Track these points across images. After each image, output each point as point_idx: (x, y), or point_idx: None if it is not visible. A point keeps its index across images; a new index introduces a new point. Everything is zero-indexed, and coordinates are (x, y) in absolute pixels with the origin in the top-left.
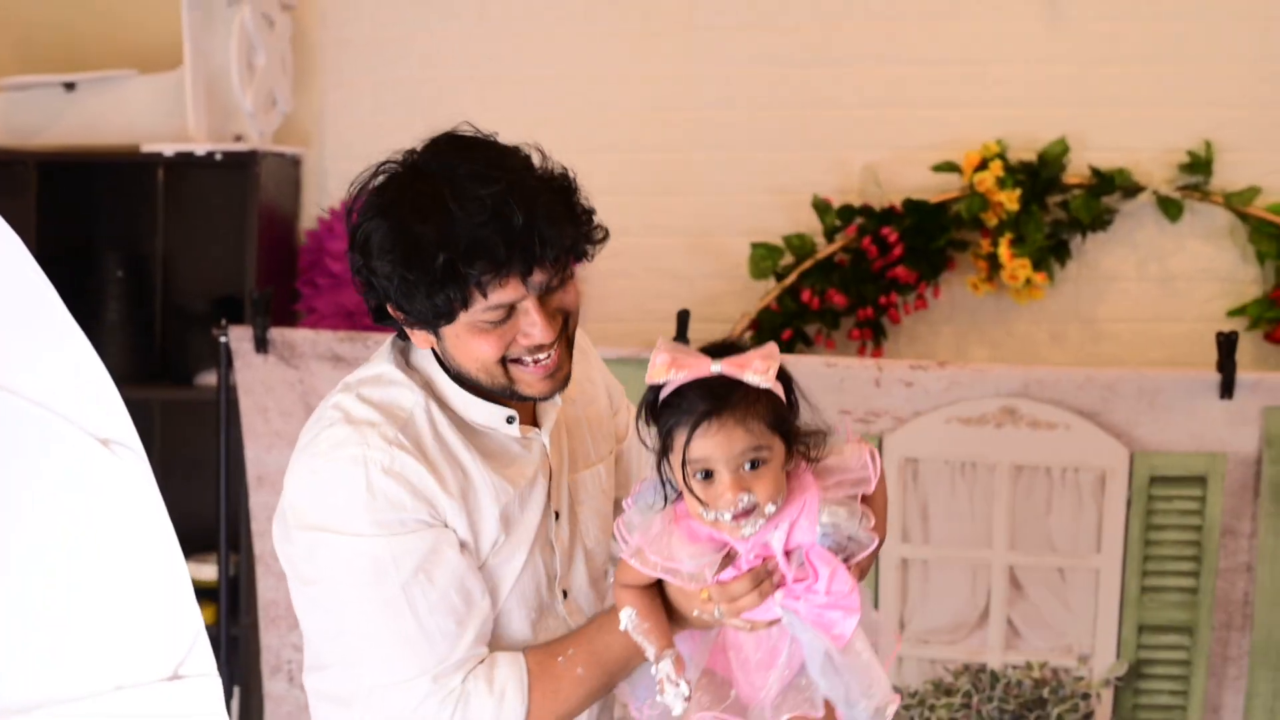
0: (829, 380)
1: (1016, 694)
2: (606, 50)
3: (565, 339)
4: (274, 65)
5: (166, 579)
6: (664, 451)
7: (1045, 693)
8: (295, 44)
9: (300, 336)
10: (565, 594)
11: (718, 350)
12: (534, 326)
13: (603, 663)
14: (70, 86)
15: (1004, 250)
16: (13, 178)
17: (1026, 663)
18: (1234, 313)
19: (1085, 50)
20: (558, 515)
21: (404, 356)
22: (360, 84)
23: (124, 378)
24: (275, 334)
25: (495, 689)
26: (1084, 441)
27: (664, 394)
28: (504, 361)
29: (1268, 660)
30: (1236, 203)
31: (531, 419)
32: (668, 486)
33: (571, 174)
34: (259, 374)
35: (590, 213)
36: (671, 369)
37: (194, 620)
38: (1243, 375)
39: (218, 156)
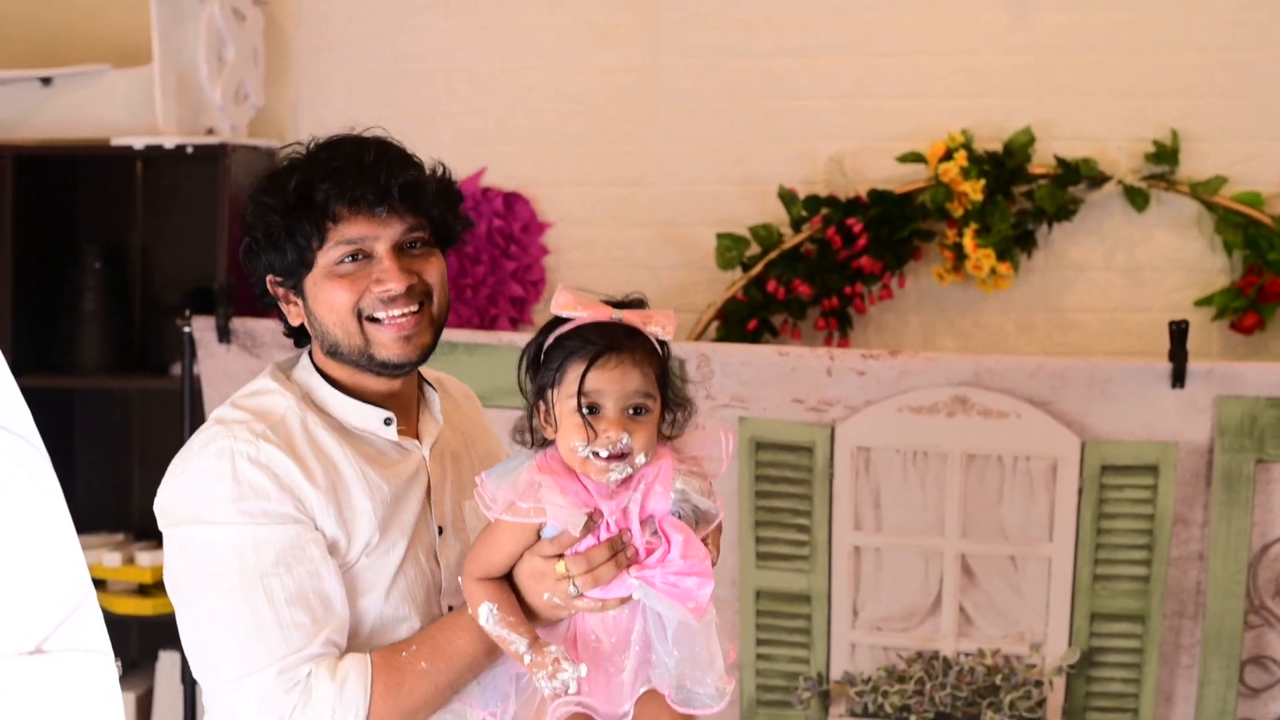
0: (781, 369)
1: (969, 681)
2: (574, 42)
3: (427, 312)
4: (245, 59)
5: (40, 557)
6: (550, 385)
7: (998, 680)
8: (270, 38)
9: (262, 326)
10: (450, 609)
11: (619, 304)
12: (384, 272)
13: (447, 658)
14: (47, 81)
15: (969, 240)
16: None
17: (979, 650)
18: (1201, 302)
19: (1050, 40)
20: (441, 530)
21: (284, 374)
22: (334, 77)
23: (102, 368)
24: (237, 324)
25: (338, 678)
26: (1035, 430)
27: (560, 331)
28: (360, 317)
29: (1220, 648)
30: (1203, 192)
31: (414, 434)
32: (535, 434)
33: (450, 172)
34: (222, 363)
35: (458, 196)
36: (577, 306)
37: (71, 596)
38: (1194, 364)
39: (188, 150)
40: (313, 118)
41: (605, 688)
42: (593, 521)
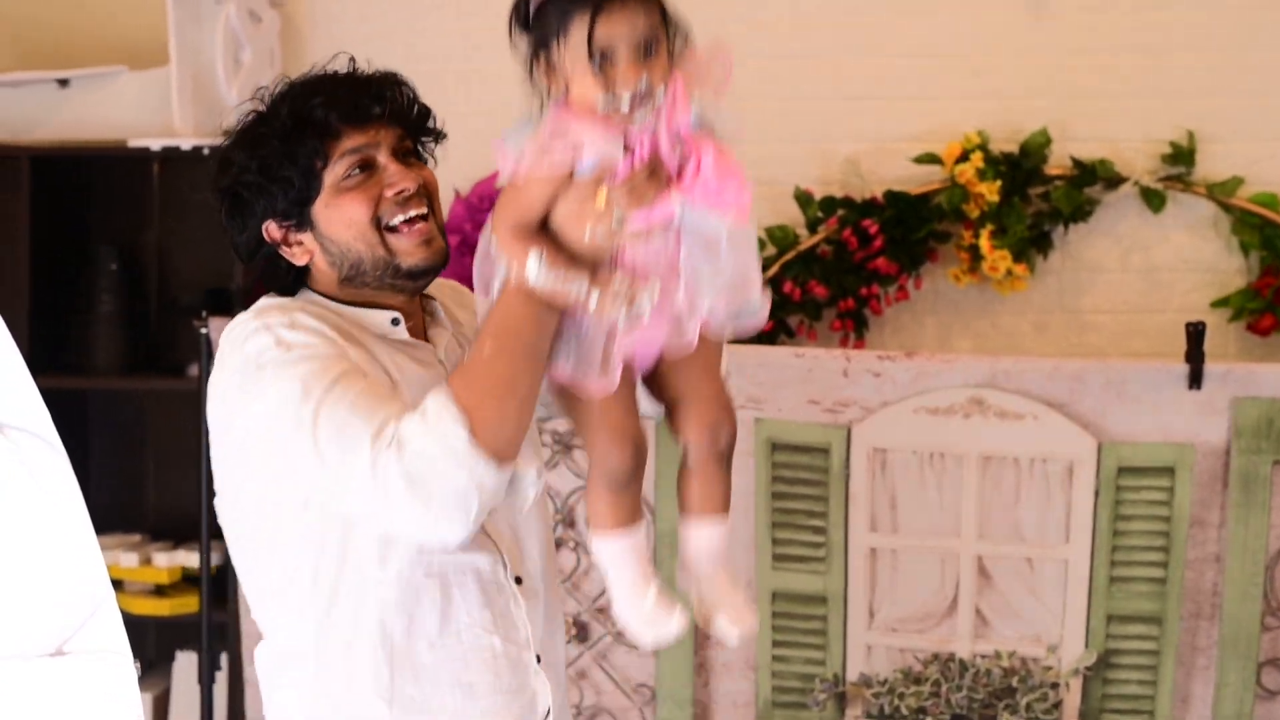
0: (797, 370)
1: (985, 683)
2: None
3: (434, 216)
4: (261, 61)
5: (60, 559)
6: (553, 38)
7: (1014, 682)
8: (285, 40)
9: None
10: None
11: None
12: (394, 175)
13: (504, 333)
14: (64, 83)
15: (985, 241)
16: (7, 173)
17: (995, 652)
18: (1217, 304)
19: (1067, 41)
20: None
21: (282, 297)
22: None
23: (117, 369)
24: None
25: (418, 411)
26: (1052, 432)
27: None
28: (379, 227)
29: (1237, 650)
30: (1219, 193)
31: (422, 334)
32: (543, 93)
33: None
34: None
35: (428, 109)
36: None
37: (89, 599)
38: (1211, 366)
39: (205, 151)
40: None
41: (656, 328)
42: (626, 149)
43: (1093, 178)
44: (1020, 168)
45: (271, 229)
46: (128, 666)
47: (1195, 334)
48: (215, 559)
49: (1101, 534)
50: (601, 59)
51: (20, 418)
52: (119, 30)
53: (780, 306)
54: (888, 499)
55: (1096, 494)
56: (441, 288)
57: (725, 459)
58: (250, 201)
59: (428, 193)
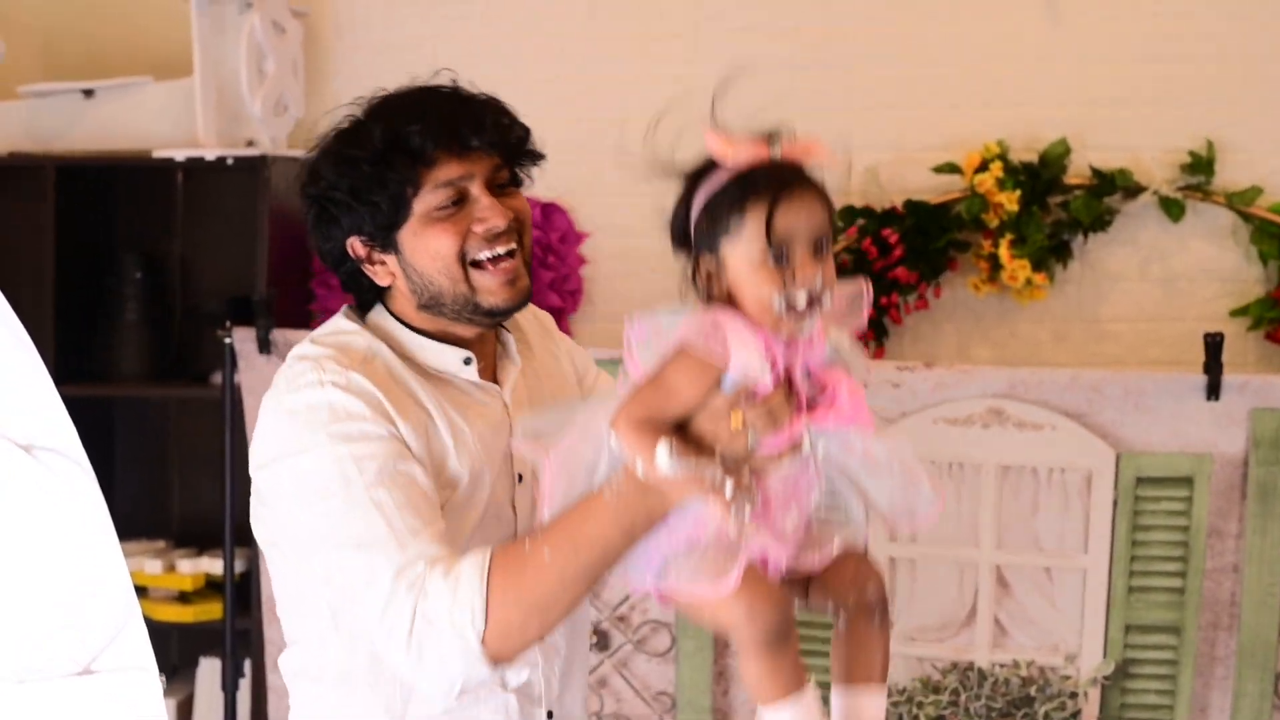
0: None
1: (1004, 692)
2: (611, 54)
3: (522, 252)
4: (285, 71)
5: (88, 578)
6: (720, 237)
7: (1032, 691)
8: (309, 49)
9: (302, 338)
10: None
11: (765, 138)
12: (486, 209)
13: (575, 545)
14: (89, 93)
15: (1004, 251)
16: (34, 182)
17: (1014, 661)
18: (1236, 313)
19: (1086, 50)
20: (521, 478)
21: (358, 315)
22: (372, 88)
23: (142, 377)
24: (278, 335)
25: (452, 574)
26: (1070, 442)
27: (719, 179)
28: (464, 263)
29: (1255, 660)
30: (1239, 203)
31: (491, 374)
32: (703, 285)
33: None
34: (262, 374)
35: (526, 129)
36: (732, 147)
37: (117, 617)
38: (1229, 377)
39: (228, 161)
40: None
41: (779, 550)
42: (770, 369)
43: (1112, 187)
44: (1039, 177)
45: (356, 246)
46: (154, 683)
47: (1213, 345)
48: (239, 566)
49: (1120, 544)
50: (777, 254)
51: (47, 437)
52: (144, 41)
53: None
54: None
55: (1115, 504)
56: (525, 315)
57: (873, 618)
58: (337, 216)
59: (518, 226)
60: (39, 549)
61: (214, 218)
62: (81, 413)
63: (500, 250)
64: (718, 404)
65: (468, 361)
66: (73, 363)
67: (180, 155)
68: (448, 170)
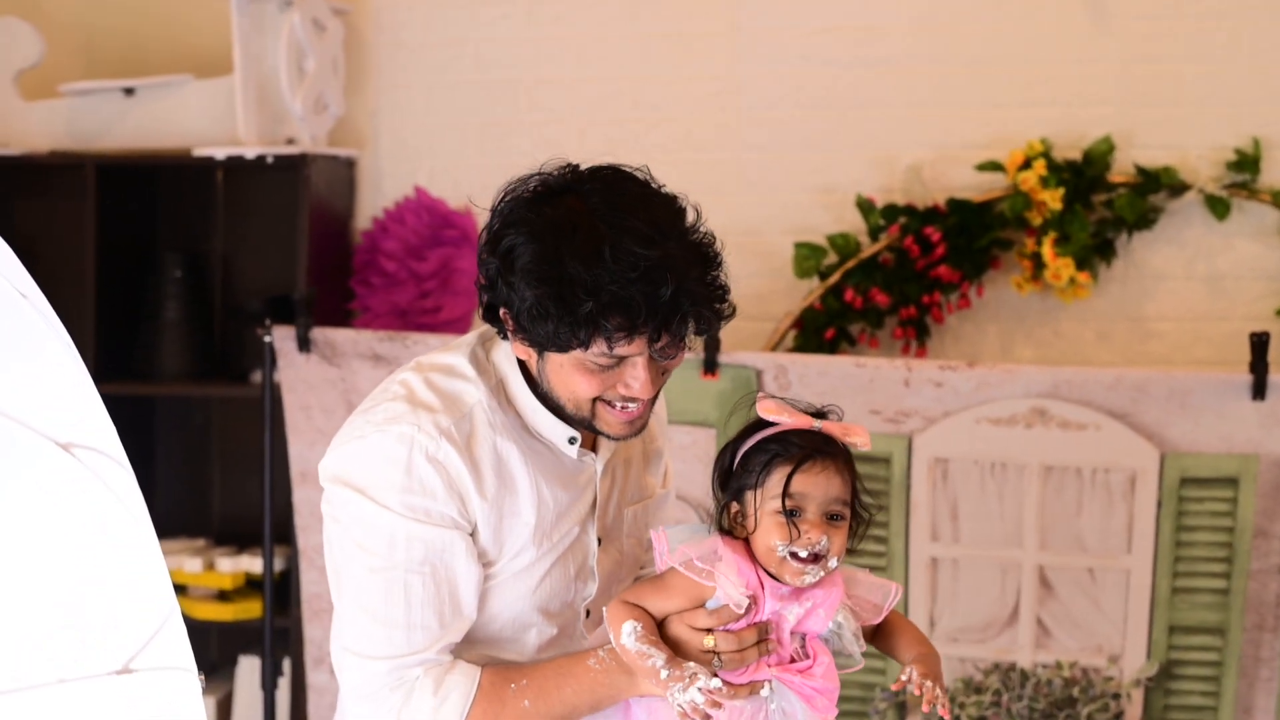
0: (859, 380)
1: (1047, 693)
2: (653, 51)
3: (654, 399)
4: (325, 69)
5: (126, 576)
6: (751, 486)
7: (1075, 692)
8: (349, 48)
9: (342, 336)
10: (588, 613)
11: (819, 413)
12: (637, 381)
13: (550, 703)
14: (129, 92)
15: (1048, 249)
16: (75, 180)
17: (1056, 662)
18: None
19: (1130, 48)
20: (601, 540)
21: (484, 351)
22: (413, 86)
23: (182, 375)
24: (318, 334)
25: (440, 692)
26: (1114, 442)
27: (763, 435)
28: (594, 401)
29: None
30: None
31: (591, 443)
32: (729, 522)
33: (720, 245)
34: (302, 373)
35: (726, 290)
36: (780, 413)
37: (157, 615)
38: (1275, 376)
39: (269, 160)
40: (392, 127)
41: None
42: (751, 608)
43: (1156, 185)
44: (1083, 175)
45: (507, 319)
46: (194, 682)
47: (1259, 344)
48: (279, 565)
49: (1164, 544)
50: (792, 511)
51: (88, 436)
52: (185, 40)
53: (842, 314)
54: (949, 509)
55: (1159, 504)
56: None
57: None
58: (506, 296)
59: (661, 383)
60: (79, 547)
61: (254, 216)
62: (122, 411)
63: (633, 406)
64: (697, 619)
65: (572, 441)
66: (113, 361)
67: (220, 153)
68: (621, 348)
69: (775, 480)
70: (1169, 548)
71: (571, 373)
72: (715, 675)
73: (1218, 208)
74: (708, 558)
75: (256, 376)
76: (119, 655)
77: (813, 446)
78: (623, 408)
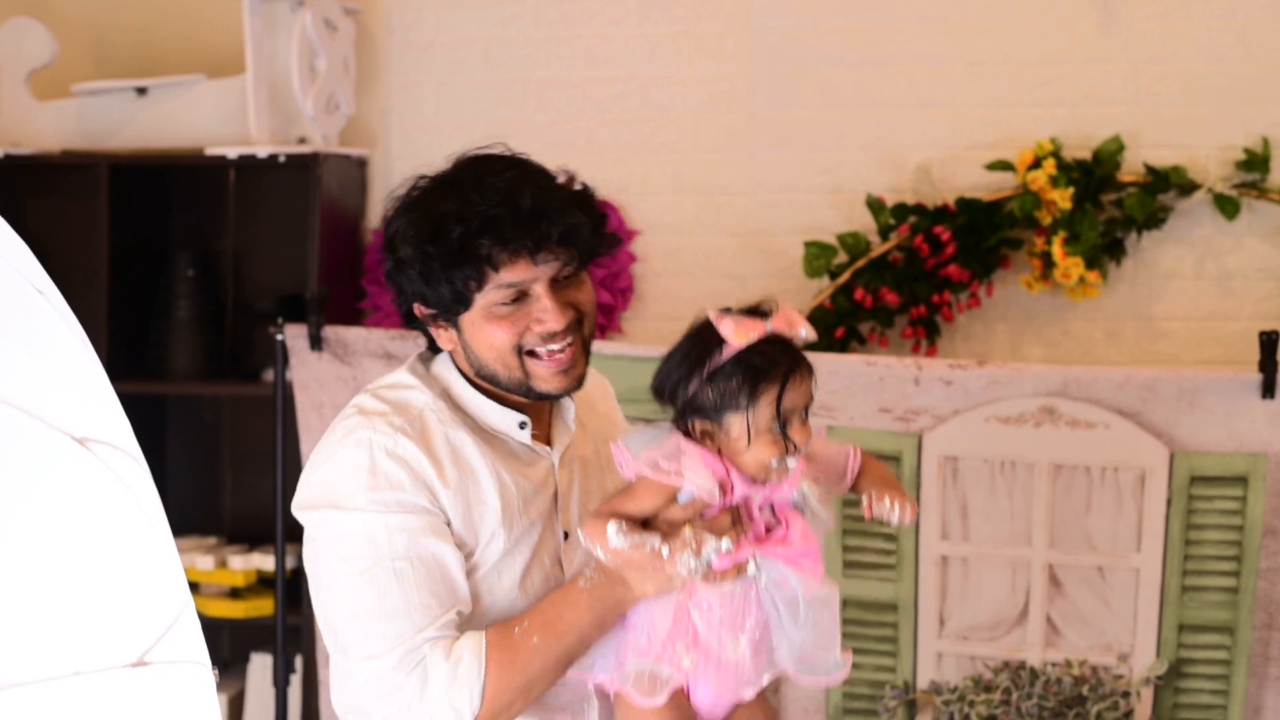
0: (869, 378)
1: (1056, 691)
2: (665, 51)
3: (580, 338)
4: (336, 69)
5: (140, 568)
6: (738, 408)
7: (1085, 690)
8: (360, 47)
9: (353, 335)
10: None
11: (756, 312)
12: (545, 311)
13: (558, 632)
14: (142, 91)
15: (1057, 249)
16: (87, 180)
17: (1066, 660)
18: None
19: (1140, 47)
20: (567, 535)
21: (424, 367)
22: (424, 86)
23: (194, 374)
24: (329, 332)
25: (452, 658)
26: (1124, 441)
27: (725, 357)
28: (520, 352)
29: None
30: None
31: (545, 436)
32: (697, 436)
33: (591, 188)
34: (314, 371)
35: (604, 218)
36: (749, 333)
37: (172, 608)
38: None
39: (280, 159)
40: (403, 127)
41: (715, 675)
42: (721, 493)
43: (1166, 184)
44: (1093, 174)
45: (421, 310)
46: (208, 675)
47: (1269, 343)
48: (290, 562)
49: (1173, 543)
50: (781, 426)
51: (103, 431)
52: (196, 39)
53: (852, 314)
54: (959, 507)
55: (1168, 503)
56: (591, 377)
57: None
58: (405, 284)
59: (579, 316)
60: (95, 541)
61: (266, 215)
62: (134, 409)
63: (556, 346)
64: (672, 514)
65: (523, 425)
66: (126, 360)
67: (232, 153)
68: (513, 273)
69: (765, 403)
70: (1178, 546)
71: (485, 327)
72: (719, 539)
73: (1227, 207)
74: (672, 456)
75: (268, 375)
76: (134, 648)
77: (786, 362)
78: (549, 354)
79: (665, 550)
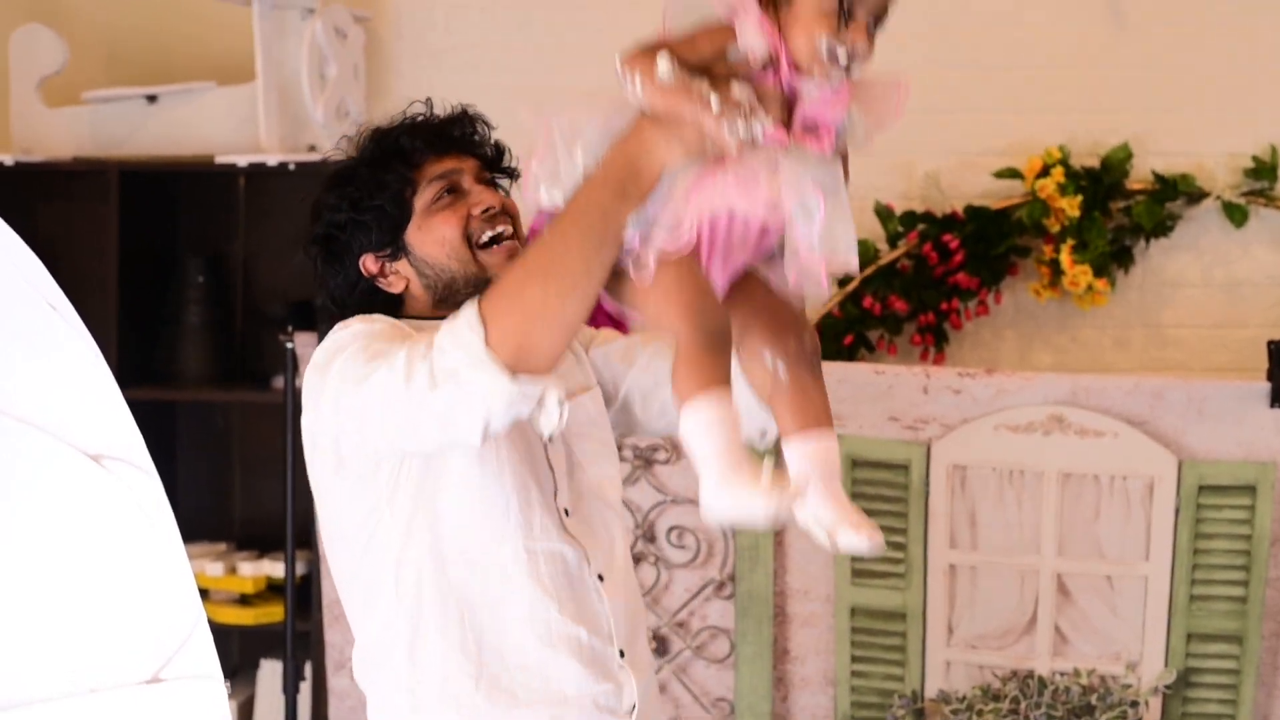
0: (877, 387)
1: (1064, 700)
2: None
3: (520, 237)
4: (346, 76)
5: (154, 585)
6: None
7: (1093, 700)
8: (370, 54)
9: None
10: (567, 513)
11: None
12: (481, 193)
13: (563, 217)
14: (152, 99)
15: (1066, 256)
16: (97, 186)
17: (1074, 669)
18: None
19: (1148, 55)
20: (551, 438)
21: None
22: (434, 92)
23: (204, 380)
24: None
25: (450, 318)
26: (1132, 449)
27: None
28: (470, 245)
29: None
30: None
31: None
32: None
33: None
34: None
35: (504, 145)
36: None
37: (185, 624)
38: None
39: (290, 166)
40: None
41: (727, 245)
42: (770, 66)
43: (1174, 192)
44: (1101, 182)
45: (368, 262)
46: (220, 690)
47: (1277, 352)
48: (300, 568)
49: (1182, 552)
50: (845, 8)
51: (116, 446)
52: (207, 47)
53: (861, 321)
54: (967, 516)
55: (1177, 512)
56: None
57: (812, 365)
58: (345, 241)
59: (511, 214)
60: (110, 558)
61: (276, 222)
62: (144, 416)
63: (500, 229)
64: (721, 69)
65: None
66: (136, 366)
67: (242, 160)
68: (438, 166)
69: None
70: (1187, 555)
71: (432, 226)
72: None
73: (1235, 215)
74: (736, 7)
75: (277, 381)
76: (149, 665)
77: None
78: (495, 238)
79: (715, 101)
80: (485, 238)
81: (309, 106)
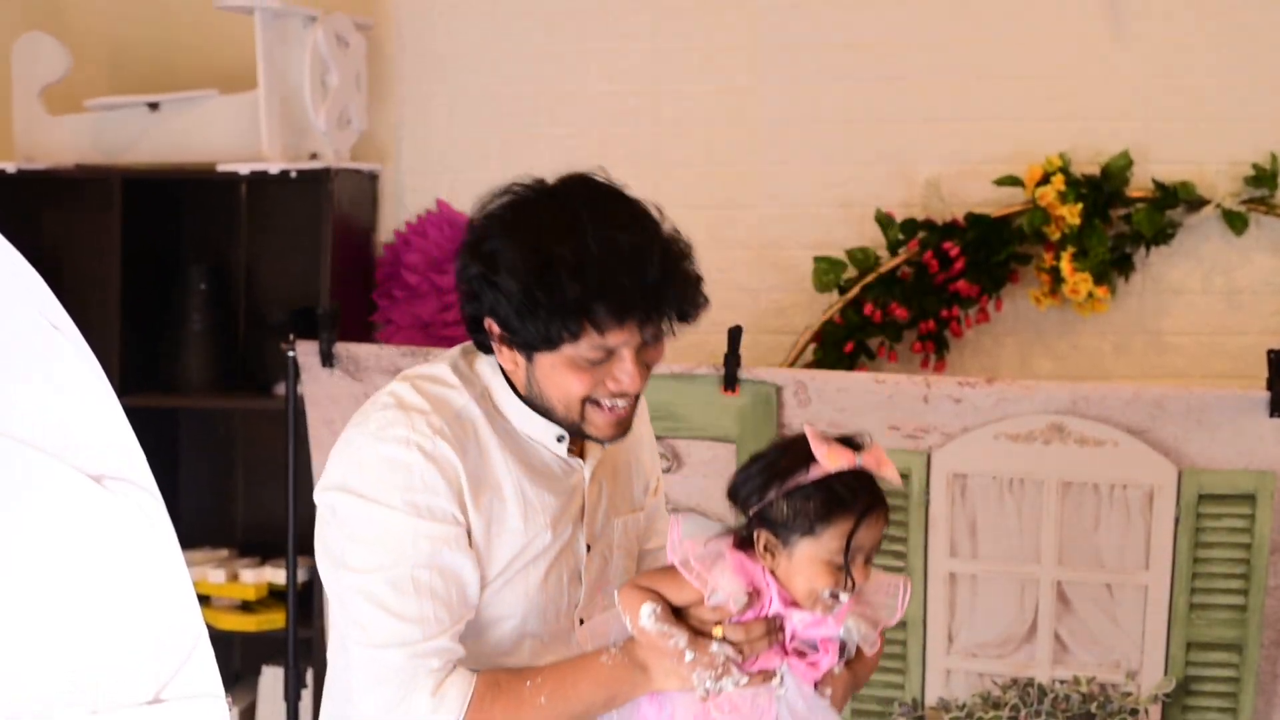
0: (878, 396)
1: (1064, 708)
2: (673, 66)
3: (641, 394)
4: (348, 84)
5: (155, 605)
6: (806, 532)
7: (1093, 708)
8: (372, 62)
9: (365, 351)
10: (581, 622)
11: (850, 443)
12: (625, 375)
13: (566, 698)
14: (154, 106)
15: (1066, 264)
16: (100, 193)
17: (1074, 677)
18: None
19: (1148, 63)
20: (589, 548)
21: (466, 363)
22: (436, 101)
23: (206, 387)
24: (341, 349)
25: (439, 691)
26: (1132, 458)
27: (810, 478)
28: (584, 401)
29: None
30: None
31: (579, 450)
32: (759, 549)
33: (687, 239)
34: (325, 387)
35: (701, 279)
36: (840, 460)
37: (186, 643)
38: None
39: (292, 174)
40: (414, 141)
41: None
42: (754, 603)
43: (1174, 200)
44: (1101, 190)
45: (493, 328)
46: (223, 709)
47: (1277, 361)
48: (302, 575)
49: (1181, 560)
50: (844, 561)
51: (118, 467)
52: (209, 55)
53: (861, 328)
54: (967, 524)
55: (1177, 520)
56: None
57: None
58: (490, 302)
59: (646, 378)
60: (111, 579)
61: (278, 230)
62: (146, 423)
63: (621, 403)
64: (702, 614)
65: (560, 439)
66: (138, 373)
67: (244, 168)
68: (610, 337)
69: (835, 534)
70: (1186, 564)
71: (563, 372)
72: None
73: (1235, 222)
74: (707, 558)
75: (280, 389)
76: (150, 686)
77: (868, 499)
78: (611, 408)
79: (690, 655)
80: (602, 401)
81: (311, 114)
